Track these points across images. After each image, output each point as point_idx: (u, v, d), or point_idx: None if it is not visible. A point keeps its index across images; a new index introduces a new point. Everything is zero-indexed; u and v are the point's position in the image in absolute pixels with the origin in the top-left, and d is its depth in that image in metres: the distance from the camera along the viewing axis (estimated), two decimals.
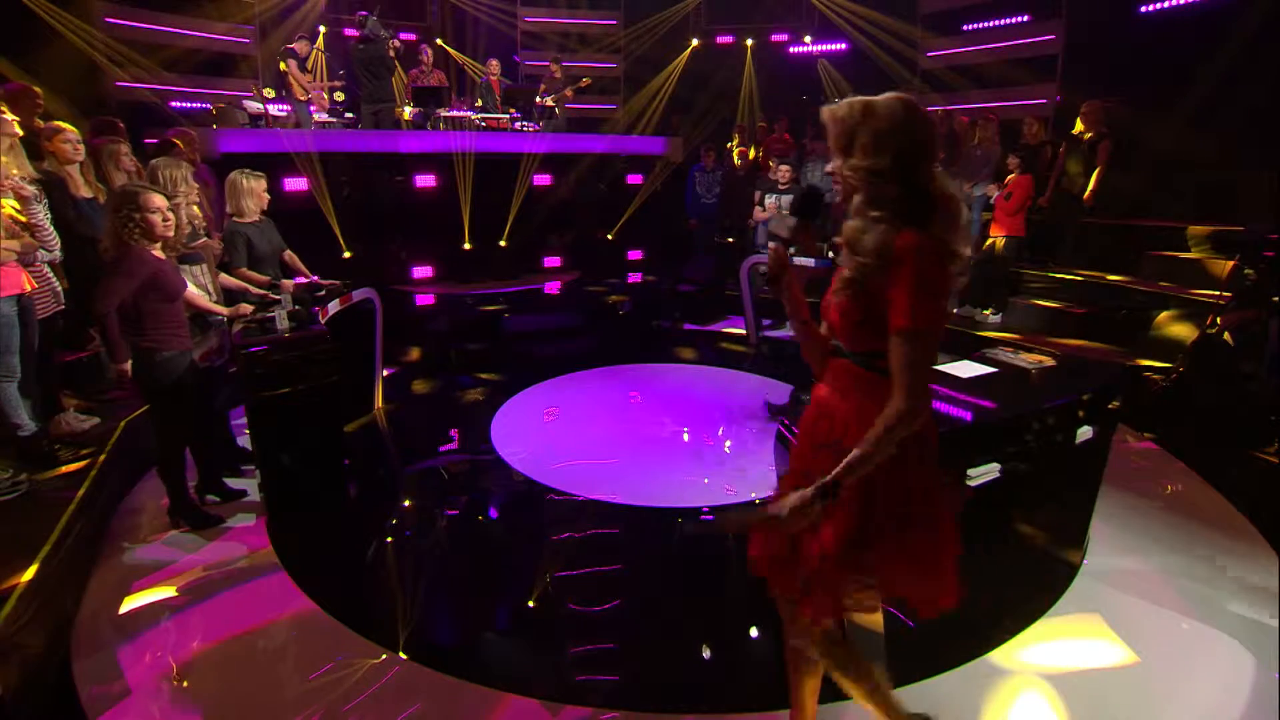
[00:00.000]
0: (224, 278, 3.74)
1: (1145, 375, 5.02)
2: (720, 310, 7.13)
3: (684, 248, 8.18)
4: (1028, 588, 2.67)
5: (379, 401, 4.87)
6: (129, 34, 8.07)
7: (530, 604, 2.70)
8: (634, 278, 8.24)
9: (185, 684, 2.25)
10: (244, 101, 7.79)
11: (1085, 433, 2.30)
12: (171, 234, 2.87)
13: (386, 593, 2.78)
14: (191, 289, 3.20)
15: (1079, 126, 6.04)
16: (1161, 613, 2.55)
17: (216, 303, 3.81)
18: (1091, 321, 5.81)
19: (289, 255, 4.29)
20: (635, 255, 8.59)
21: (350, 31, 10.66)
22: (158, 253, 2.86)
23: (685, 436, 4.32)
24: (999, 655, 2.31)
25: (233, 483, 3.52)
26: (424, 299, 7.34)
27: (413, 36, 11.46)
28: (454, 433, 4.55)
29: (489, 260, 7.77)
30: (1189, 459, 3.88)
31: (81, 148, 3.77)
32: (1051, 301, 6.17)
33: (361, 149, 7.22)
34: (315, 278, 4.31)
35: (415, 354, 6.06)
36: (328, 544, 3.14)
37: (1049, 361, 2.66)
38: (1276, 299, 4.05)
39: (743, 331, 6.44)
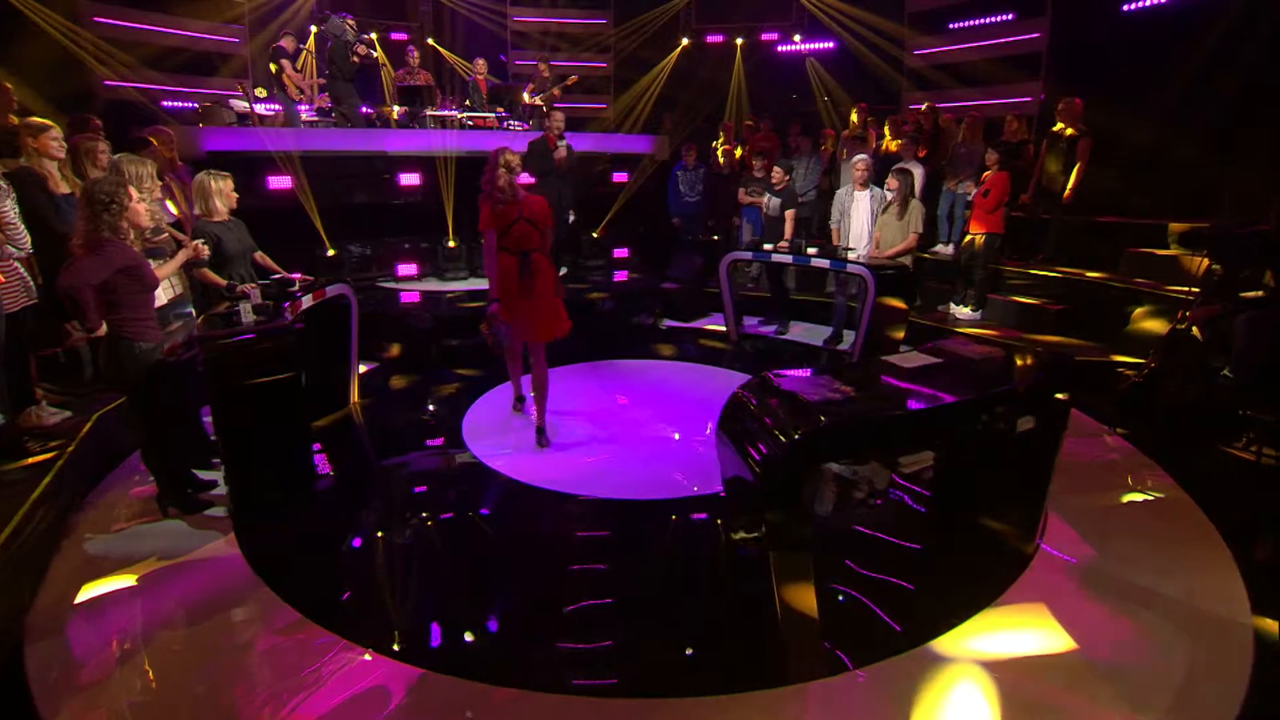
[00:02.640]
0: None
1: (1119, 370, 5.04)
2: (702, 308, 7.15)
3: (670, 246, 8.20)
4: (976, 577, 2.68)
5: (354, 396, 4.90)
6: (117, 33, 8.11)
7: (501, 596, 2.71)
8: (620, 275, 8.25)
9: (140, 674, 2.27)
10: (230, 101, 7.84)
11: (1027, 422, 2.31)
12: (143, 225, 2.94)
13: (349, 586, 2.80)
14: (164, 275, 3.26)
15: (1058, 124, 6.05)
16: (1107, 604, 2.56)
17: (181, 295, 3.85)
18: (1069, 318, 5.83)
19: (260, 256, 4.32)
20: (621, 253, 8.62)
21: None
22: (132, 244, 2.92)
23: (659, 431, 4.35)
24: (942, 643, 2.33)
25: (203, 475, 3.55)
26: (409, 296, 7.35)
27: (404, 36, 11.54)
28: (426, 428, 4.58)
29: (474, 258, 7.81)
30: (1157, 454, 3.89)
31: (64, 145, 3.81)
32: (1030, 298, 6.19)
33: (345, 148, 7.26)
34: (297, 275, 4.33)
35: (396, 350, 6.08)
36: (292, 537, 3.16)
37: (998, 353, 2.68)
38: (1242, 293, 4.06)
39: (723, 328, 6.46)
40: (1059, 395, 2.70)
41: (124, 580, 2.78)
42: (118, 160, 3.32)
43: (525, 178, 5.22)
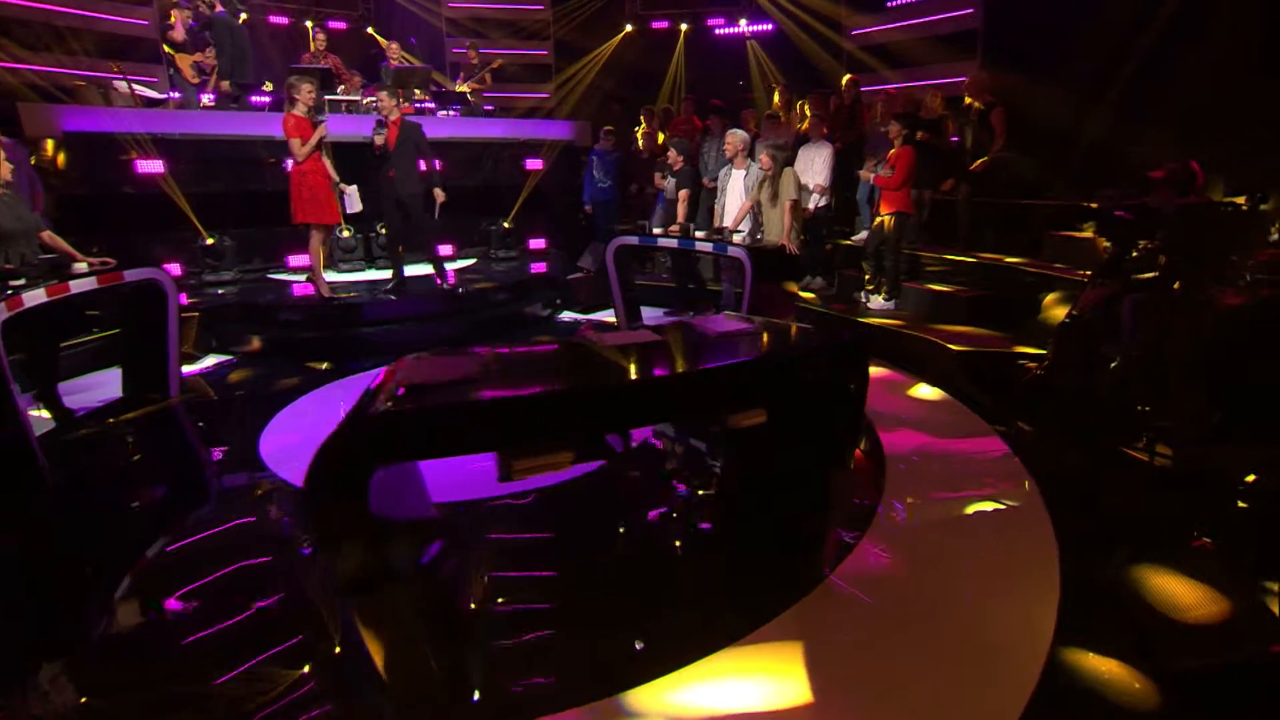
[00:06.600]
0: None
1: (1020, 363, 4.55)
2: (604, 298, 6.67)
3: (589, 235, 7.76)
4: (727, 609, 2.19)
5: (175, 392, 4.45)
6: (16, 12, 7.69)
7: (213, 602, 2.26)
8: (538, 267, 7.79)
9: None
10: (115, 83, 7.43)
11: (750, 417, 1.82)
12: None
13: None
14: None
15: (966, 99, 5.59)
16: (884, 641, 2.06)
17: None
18: (981, 305, 5.33)
19: (49, 236, 3.93)
20: (538, 244, 8.15)
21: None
22: None
23: None
24: (640, 695, 1.84)
25: None
26: (303, 289, 6.92)
27: (343, 25, 11.21)
28: (228, 428, 4.13)
29: (371, 248, 7.38)
30: (1032, 457, 3.35)
31: None
32: (947, 285, 5.69)
33: (226, 131, 6.83)
34: (121, 263, 3.92)
35: (257, 343, 5.64)
36: None
37: (752, 330, 2.19)
38: (1135, 274, 3.56)
39: (613, 320, 5.99)
40: (849, 384, 2.21)
41: None
42: None
43: None
